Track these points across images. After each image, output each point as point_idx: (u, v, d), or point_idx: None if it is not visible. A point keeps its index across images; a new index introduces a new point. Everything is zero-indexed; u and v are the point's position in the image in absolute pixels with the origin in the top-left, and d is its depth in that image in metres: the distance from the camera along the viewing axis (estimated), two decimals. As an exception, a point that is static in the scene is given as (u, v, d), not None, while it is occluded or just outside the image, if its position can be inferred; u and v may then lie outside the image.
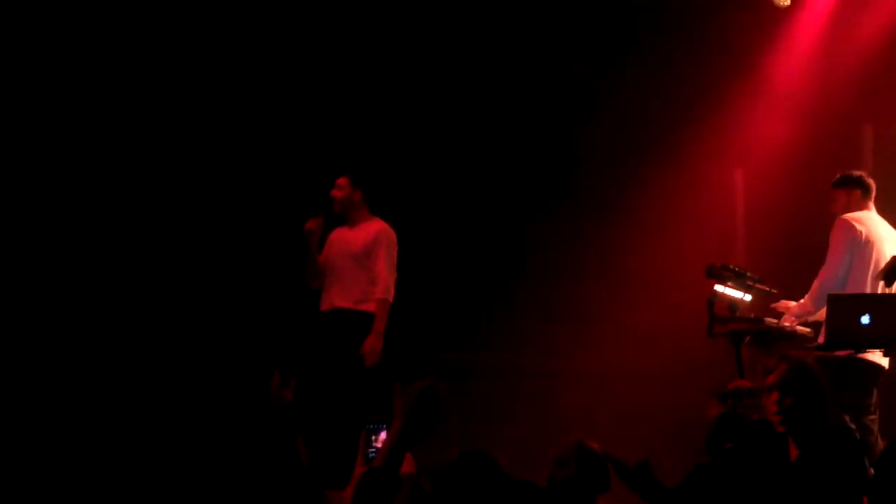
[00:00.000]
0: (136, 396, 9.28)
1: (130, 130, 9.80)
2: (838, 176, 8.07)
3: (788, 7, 10.21)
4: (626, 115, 10.71)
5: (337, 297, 8.53)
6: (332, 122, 10.26)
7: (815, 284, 7.82)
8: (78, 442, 8.97)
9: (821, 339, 7.49)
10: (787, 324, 7.90)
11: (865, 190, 7.96)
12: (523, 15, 10.57)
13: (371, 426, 5.01)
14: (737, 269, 8.08)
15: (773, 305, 8.08)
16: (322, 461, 7.98)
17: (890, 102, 9.76)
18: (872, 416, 7.45)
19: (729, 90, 10.51)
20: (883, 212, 8.04)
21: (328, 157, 9.77)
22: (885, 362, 7.64)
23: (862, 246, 7.72)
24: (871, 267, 7.69)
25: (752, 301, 8.05)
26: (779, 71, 10.48)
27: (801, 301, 7.90)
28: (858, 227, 7.75)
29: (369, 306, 8.46)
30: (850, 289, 7.61)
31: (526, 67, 10.73)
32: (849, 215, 7.83)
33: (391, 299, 8.48)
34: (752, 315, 7.98)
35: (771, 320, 7.92)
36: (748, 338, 7.86)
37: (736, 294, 8.01)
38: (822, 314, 7.56)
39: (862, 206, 7.93)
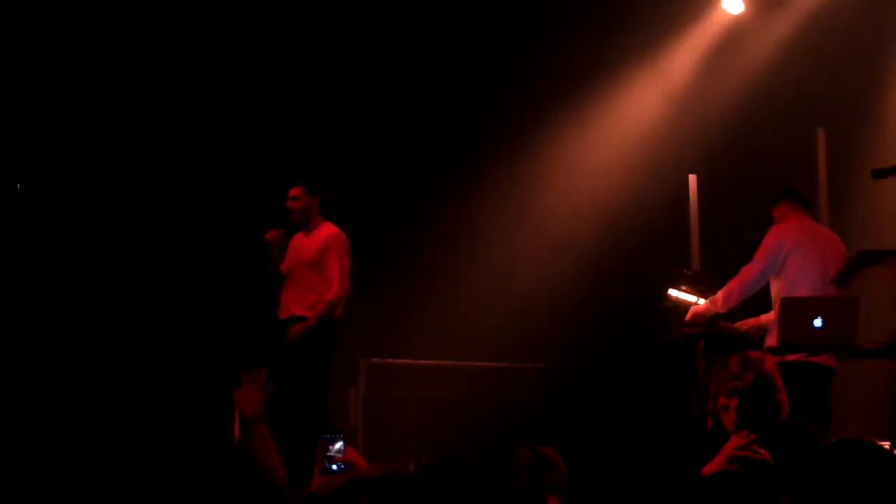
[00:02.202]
0: (110, 395, 9.22)
1: (108, 135, 9.79)
2: (772, 194, 8.12)
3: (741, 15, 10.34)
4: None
5: (293, 304, 8.55)
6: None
7: (733, 283, 7.88)
8: (53, 439, 8.90)
9: (771, 342, 7.55)
10: (697, 318, 7.93)
11: (793, 199, 7.99)
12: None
13: (328, 435, 5.03)
14: (691, 273, 8.12)
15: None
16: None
17: (841, 106, 9.85)
18: (824, 420, 7.51)
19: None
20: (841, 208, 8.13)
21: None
22: (834, 365, 7.72)
23: (791, 254, 7.78)
24: (807, 273, 7.76)
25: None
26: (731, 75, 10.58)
27: (714, 297, 7.94)
28: (785, 236, 7.81)
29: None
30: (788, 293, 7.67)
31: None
32: (780, 226, 7.90)
33: (340, 303, 8.49)
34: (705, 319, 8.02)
35: (725, 324, 7.97)
36: (702, 342, 7.89)
37: (690, 298, 8.06)
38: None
39: (795, 215, 7.98)
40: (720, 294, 7.88)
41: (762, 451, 5.12)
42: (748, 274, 7.85)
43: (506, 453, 5.78)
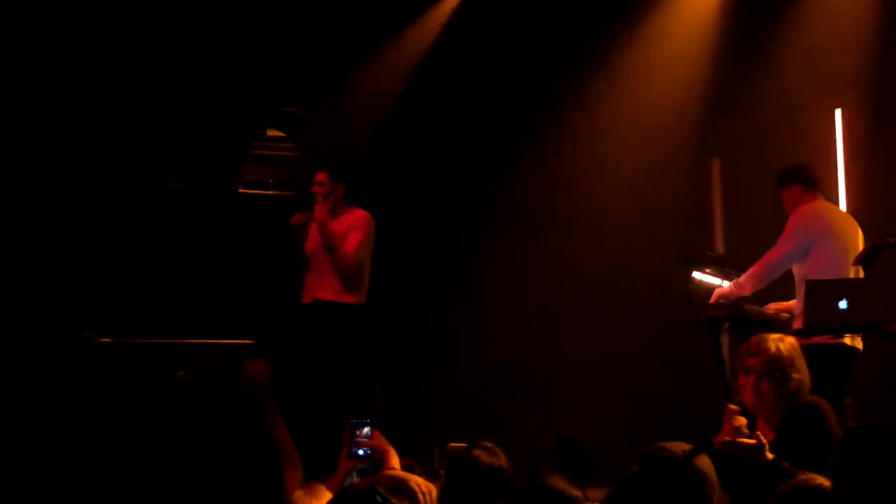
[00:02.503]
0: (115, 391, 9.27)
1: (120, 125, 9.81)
2: (779, 176, 8.11)
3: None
4: (600, 106, 10.78)
5: (318, 289, 8.56)
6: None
7: (759, 266, 7.87)
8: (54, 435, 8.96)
9: (798, 325, 7.54)
10: (722, 301, 7.93)
11: (805, 181, 8.01)
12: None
13: (355, 420, 5.03)
14: (715, 255, 8.11)
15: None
16: (308, 453, 8.10)
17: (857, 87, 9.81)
18: (846, 401, 7.50)
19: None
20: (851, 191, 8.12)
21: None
22: (859, 344, 7.71)
23: (819, 236, 7.76)
24: (833, 254, 7.74)
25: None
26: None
27: (739, 280, 7.93)
28: (812, 219, 7.80)
29: (350, 297, 8.48)
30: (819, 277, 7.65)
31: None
32: (805, 207, 7.87)
33: (352, 263, 8.45)
34: (730, 302, 8.01)
35: (749, 306, 7.96)
36: (726, 324, 7.88)
37: (714, 281, 8.05)
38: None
39: (807, 197, 7.96)
40: (746, 277, 7.88)
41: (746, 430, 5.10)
42: (774, 257, 7.85)
43: (531, 440, 5.79)
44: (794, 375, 5.45)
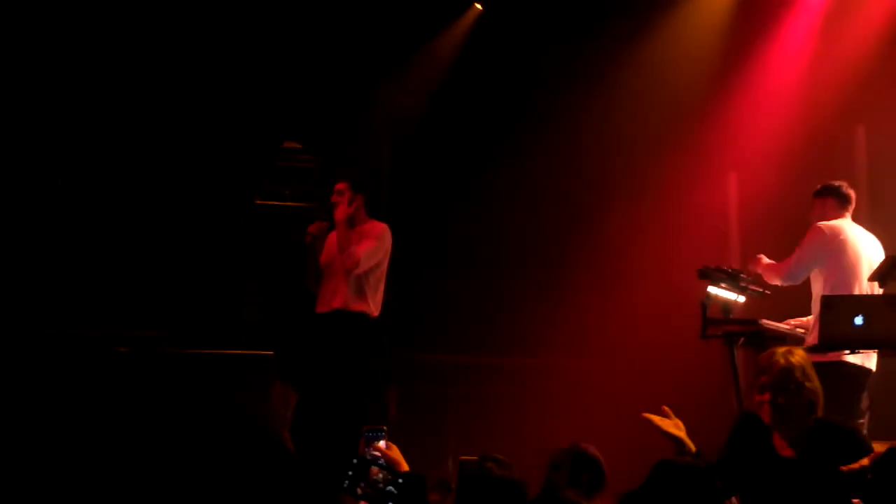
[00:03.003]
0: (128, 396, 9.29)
1: (129, 130, 9.84)
2: (819, 186, 8.17)
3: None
4: (617, 116, 10.76)
5: (333, 298, 8.56)
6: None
7: (777, 269, 7.96)
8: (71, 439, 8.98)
9: (812, 340, 7.54)
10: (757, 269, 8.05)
11: (841, 199, 8.08)
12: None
13: (370, 433, 5.00)
14: (730, 270, 8.11)
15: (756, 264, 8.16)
16: (323, 464, 8.10)
17: (882, 103, 9.79)
18: (862, 420, 7.51)
19: (724, 91, 10.58)
20: (876, 208, 8.10)
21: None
22: (872, 365, 7.71)
23: (834, 253, 7.80)
24: (847, 272, 7.76)
25: (745, 302, 8.09)
26: (772, 71, 10.52)
27: (774, 263, 8.00)
28: (829, 234, 7.83)
29: (365, 307, 8.49)
30: (832, 293, 7.67)
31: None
32: (823, 223, 7.91)
33: (356, 263, 8.41)
34: (746, 317, 8.02)
35: (765, 322, 7.96)
36: (742, 339, 7.89)
37: (730, 296, 8.04)
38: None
39: (837, 215, 8.02)
40: (766, 265, 7.95)
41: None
42: (787, 268, 7.90)
43: (545, 450, 5.78)
44: (808, 385, 5.45)
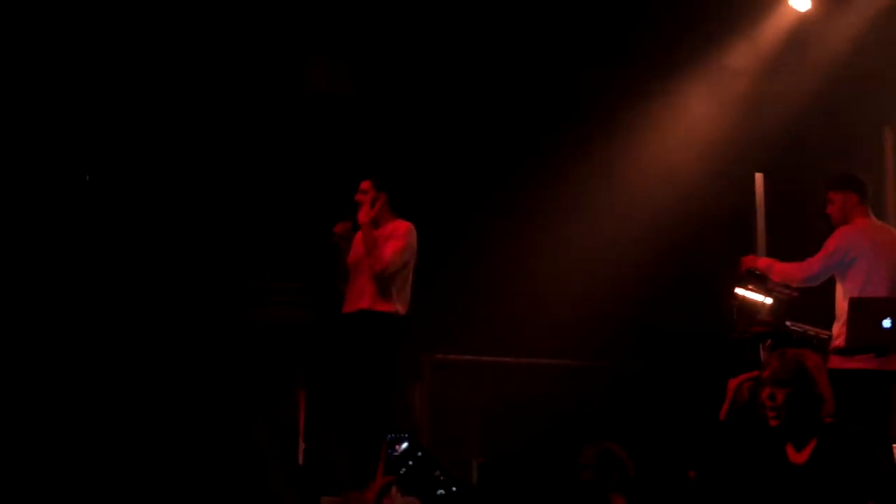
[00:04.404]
0: (140, 396, 9.34)
1: (144, 134, 9.88)
2: (836, 176, 8.04)
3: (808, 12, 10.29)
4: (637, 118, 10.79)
5: (360, 299, 8.55)
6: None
7: (796, 270, 7.86)
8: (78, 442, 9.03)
9: (839, 343, 7.50)
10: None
11: (862, 194, 7.93)
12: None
13: (392, 435, 4.98)
14: (757, 272, 8.08)
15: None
16: (345, 465, 8.13)
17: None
18: (889, 424, 7.43)
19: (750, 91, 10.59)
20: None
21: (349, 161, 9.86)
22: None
23: (860, 255, 7.69)
24: (874, 274, 7.67)
25: (772, 304, 8.07)
26: (799, 70, 10.52)
27: (774, 262, 7.94)
28: (856, 235, 7.74)
29: (391, 307, 8.48)
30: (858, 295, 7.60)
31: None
32: (845, 228, 7.80)
33: (385, 266, 8.40)
34: (772, 318, 8.00)
35: (792, 323, 7.94)
36: (769, 341, 7.86)
37: (757, 297, 8.03)
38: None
39: (858, 211, 7.90)
40: (782, 266, 7.88)
41: None
42: (807, 271, 7.81)
43: (572, 450, 5.78)
44: (816, 391, 5.37)
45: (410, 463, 4.48)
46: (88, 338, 9.19)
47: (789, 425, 5.35)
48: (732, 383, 5.67)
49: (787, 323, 7.93)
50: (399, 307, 8.50)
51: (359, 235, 8.61)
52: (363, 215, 8.49)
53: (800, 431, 5.34)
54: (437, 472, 4.42)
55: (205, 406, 9.35)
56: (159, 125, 9.80)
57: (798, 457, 5.35)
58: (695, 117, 10.84)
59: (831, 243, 7.78)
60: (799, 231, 9.09)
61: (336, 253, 8.64)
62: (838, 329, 7.61)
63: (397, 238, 8.50)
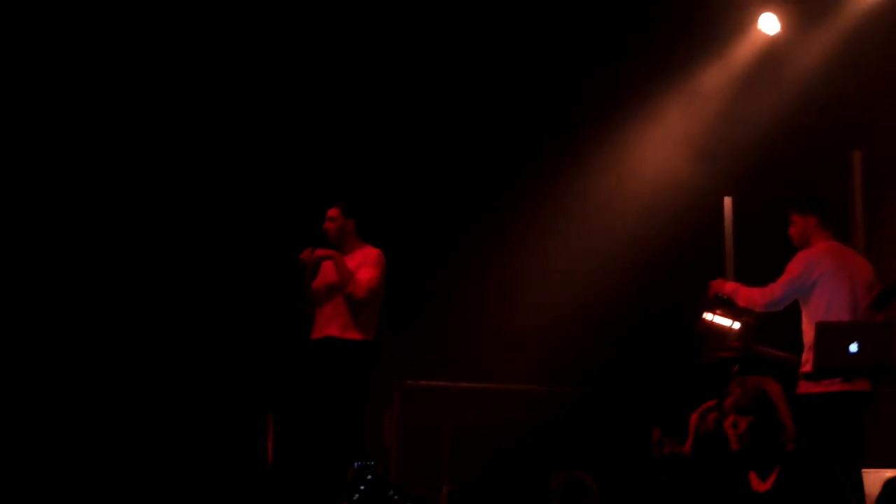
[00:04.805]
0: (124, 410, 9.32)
1: (121, 154, 9.84)
2: (798, 198, 8.03)
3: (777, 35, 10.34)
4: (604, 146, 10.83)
5: (327, 325, 8.54)
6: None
7: (759, 295, 7.84)
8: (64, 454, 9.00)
9: (807, 368, 7.49)
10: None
11: (823, 216, 7.90)
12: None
13: (359, 464, 4.99)
14: (724, 297, 8.07)
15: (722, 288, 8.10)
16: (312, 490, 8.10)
17: (879, 127, 9.80)
18: (856, 448, 7.41)
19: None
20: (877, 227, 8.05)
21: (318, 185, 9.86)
22: (870, 390, 7.63)
23: (822, 279, 7.67)
24: (837, 298, 7.66)
25: (740, 329, 8.06)
26: (768, 93, 10.55)
27: (739, 288, 7.95)
28: (817, 260, 7.73)
29: (359, 334, 8.47)
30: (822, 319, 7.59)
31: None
32: (808, 252, 7.81)
33: (366, 293, 8.43)
34: (740, 343, 7.99)
35: (762, 348, 7.93)
36: (737, 366, 7.85)
37: (725, 322, 8.03)
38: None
39: (819, 234, 7.87)
40: (747, 291, 7.85)
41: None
42: (769, 297, 7.79)
43: (540, 477, 5.77)
44: (776, 417, 5.35)
45: (362, 487, 4.49)
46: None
47: (753, 453, 5.33)
48: (694, 417, 5.67)
49: (757, 347, 7.92)
50: (367, 334, 8.49)
51: (326, 263, 8.60)
52: (328, 248, 8.52)
53: (763, 459, 5.32)
54: (391, 493, 4.43)
55: (175, 428, 9.34)
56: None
57: (762, 485, 5.33)
58: (664, 140, 10.85)
59: (792, 268, 7.77)
60: (769, 255, 9.11)
61: (300, 277, 8.63)
62: (806, 356, 7.60)
63: (370, 266, 8.50)
